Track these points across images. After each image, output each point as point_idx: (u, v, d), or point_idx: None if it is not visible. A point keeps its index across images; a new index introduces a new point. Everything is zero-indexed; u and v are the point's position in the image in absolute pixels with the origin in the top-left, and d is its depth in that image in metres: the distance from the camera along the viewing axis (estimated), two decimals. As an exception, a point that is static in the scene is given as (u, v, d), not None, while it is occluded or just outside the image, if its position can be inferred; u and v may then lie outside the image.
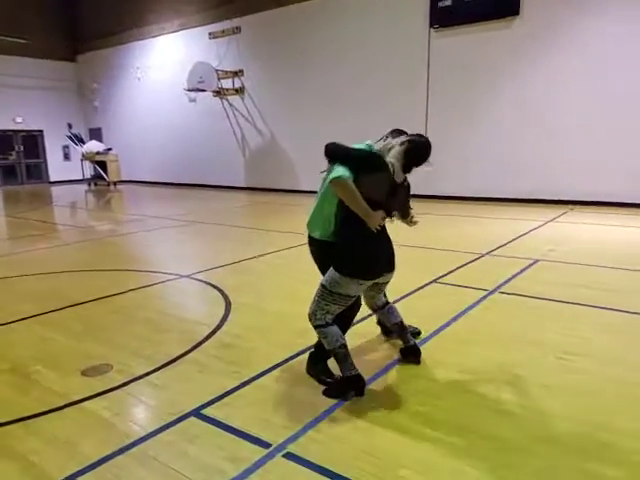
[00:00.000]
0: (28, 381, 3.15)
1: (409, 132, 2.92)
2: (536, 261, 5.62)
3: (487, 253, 6.06)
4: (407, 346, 3.22)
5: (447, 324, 3.83)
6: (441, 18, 10.76)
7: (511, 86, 10.27)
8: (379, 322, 3.60)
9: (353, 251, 2.69)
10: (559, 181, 10.11)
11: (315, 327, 2.79)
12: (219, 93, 15.08)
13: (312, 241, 3.00)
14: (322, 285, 2.76)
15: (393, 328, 3.23)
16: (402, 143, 2.74)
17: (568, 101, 9.76)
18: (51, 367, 3.33)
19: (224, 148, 15.71)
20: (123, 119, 18.85)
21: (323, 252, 2.90)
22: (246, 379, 3.05)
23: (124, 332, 3.94)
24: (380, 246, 2.77)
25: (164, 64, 16.84)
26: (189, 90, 15.05)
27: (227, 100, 15.37)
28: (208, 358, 3.38)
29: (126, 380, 3.09)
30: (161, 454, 2.34)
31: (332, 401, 2.77)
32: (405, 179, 2.80)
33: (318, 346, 3.01)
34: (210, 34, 15.31)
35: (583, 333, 3.65)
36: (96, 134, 19.68)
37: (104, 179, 17.66)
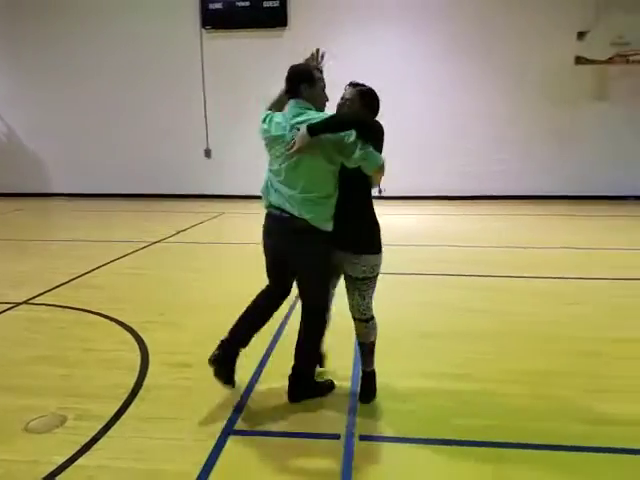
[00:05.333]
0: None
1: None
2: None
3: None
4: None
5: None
6: (213, 20, 10.95)
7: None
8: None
9: (378, 226, 2.71)
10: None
11: (368, 320, 2.74)
12: None
13: (322, 234, 2.59)
14: (363, 278, 2.62)
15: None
16: (361, 99, 2.66)
17: (334, 108, 11.15)
18: (-30, 437, 2.56)
19: None
20: None
21: (310, 239, 2.59)
22: (242, 391, 2.95)
23: (28, 375, 3.20)
24: None
25: None
26: None
27: None
28: (178, 380, 3.10)
29: (104, 423, 2.63)
30: (250, 478, 2.20)
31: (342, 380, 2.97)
32: None
33: (304, 365, 2.86)
34: None
35: (467, 293, 4.62)
36: None
37: None
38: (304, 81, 2.63)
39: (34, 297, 4.71)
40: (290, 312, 4.20)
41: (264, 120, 2.75)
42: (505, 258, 6.10)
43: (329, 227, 2.61)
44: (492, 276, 5.29)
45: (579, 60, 10.36)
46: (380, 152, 2.54)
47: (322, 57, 2.89)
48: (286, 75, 2.69)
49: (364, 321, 2.76)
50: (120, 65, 11.47)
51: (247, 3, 10.67)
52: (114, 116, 11.66)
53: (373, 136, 2.49)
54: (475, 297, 4.61)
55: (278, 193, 2.63)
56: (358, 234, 2.65)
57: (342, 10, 10.71)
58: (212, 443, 2.43)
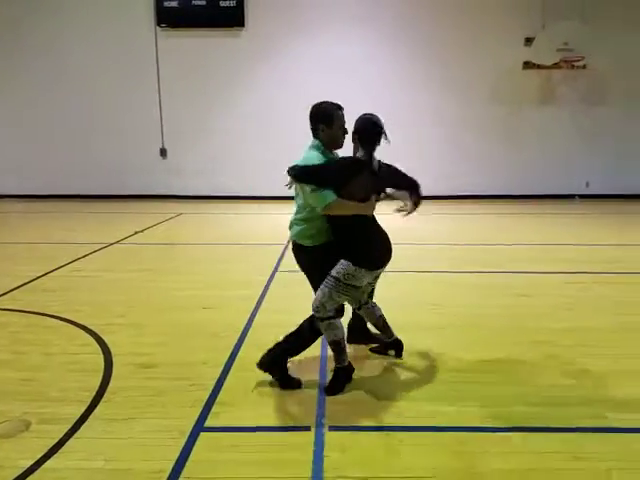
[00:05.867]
0: None
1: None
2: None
3: (288, 242, 6.74)
4: (393, 340, 3.30)
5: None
6: (168, 18, 10.80)
7: (243, 90, 11.11)
8: (350, 326, 3.44)
9: (372, 245, 2.89)
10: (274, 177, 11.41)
11: (323, 319, 2.84)
12: None
13: (304, 250, 3.01)
14: (334, 278, 2.81)
15: (378, 322, 3.25)
16: (353, 134, 2.91)
17: (285, 106, 11.09)
18: None
19: None
20: None
21: (317, 257, 2.96)
22: (211, 388, 2.96)
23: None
24: (381, 235, 2.97)
25: None
26: None
27: None
28: (144, 381, 3.07)
29: (71, 426, 2.59)
30: (224, 472, 2.23)
31: (310, 374, 3.04)
32: (380, 164, 2.92)
33: (283, 346, 3.00)
34: None
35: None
36: None
37: None
38: (322, 122, 2.90)
39: (-16, 301, 4.56)
40: (255, 312, 4.25)
41: None
42: (457, 254, 6.34)
43: (308, 243, 2.97)
44: (445, 272, 5.47)
45: (527, 65, 10.82)
46: (362, 185, 2.81)
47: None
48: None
49: (318, 319, 2.88)
50: (74, 64, 11.16)
51: (203, 2, 10.59)
52: (68, 116, 11.34)
53: (324, 181, 2.76)
54: (432, 292, 4.80)
55: None
56: (342, 243, 2.91)
57: (300, 11, 10.80)
58: (183, 440, 2.44)
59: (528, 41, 10.66)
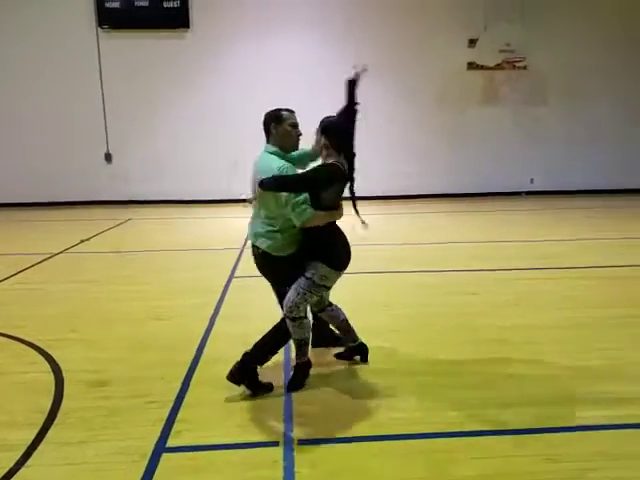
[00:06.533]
0: None
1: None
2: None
3: (245, 247, 6.62)
4: (358, 344, 3.27)
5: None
6: (110, 19, 10.42)
7: (190, 93, 10.86)
8: (314, 328, 3.28)
9: (341, 247, 2.93)
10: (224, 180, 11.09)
11: (294, 319, 2.85)
12: None
13: (273, 259, 2.98)
14: (309, 279, 2.82)
15: (342, 324, 3.22)
16: (326, 137, 2.85)
17: (233, 109, 10.92)
18: None
19: None
20: None
21: (284, 267, 2.95)
22: (171, 405, 2.84)
23: None
24: (343, 236, 2.99)
25: None
26: None
27: None
28: (98, 400, 2.91)
29: (22, 453, 2.41)
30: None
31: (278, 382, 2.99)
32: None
33: (252, 354, 2.96)
34: None
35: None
36: None
37: None
38: (272, 121, 2.92)
39: None
40: (212, 321, 4.14)
41: None
42: (406, 254, 6.40)
43: (279, 253, 2.93)
44: (395, 272, 5.50)
45: (471, 65, 11.11)
46: (337, 192, 2.84)
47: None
48: None
49: (290, 319, 2.88)
50: (12, 65, 10.59)
51: (146, 3, 10.30)
52: (6, 120, 10.74)
53: (310, 188, 2.77)
54: (383, 292, 4.83)
55: None
56: (313, 246, 2.90)
57: (246, 11, 10.66)
58: (144, 463, 2.32)
59: (472, 42, 10.94)
